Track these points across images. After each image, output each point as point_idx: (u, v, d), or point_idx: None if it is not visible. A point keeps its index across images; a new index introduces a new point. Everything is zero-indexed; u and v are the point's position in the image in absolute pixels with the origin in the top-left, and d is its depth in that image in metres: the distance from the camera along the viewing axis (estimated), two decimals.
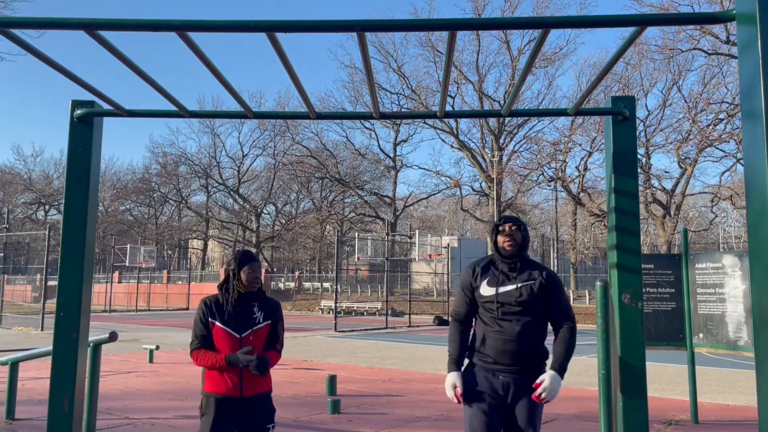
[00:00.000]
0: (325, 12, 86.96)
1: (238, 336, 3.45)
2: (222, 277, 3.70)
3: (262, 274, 3.78)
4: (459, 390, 3.38)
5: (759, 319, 2.13)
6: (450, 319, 3.64)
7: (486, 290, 3.42)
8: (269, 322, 3.56)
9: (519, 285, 3.38)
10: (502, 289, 3.38)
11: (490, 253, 3.62)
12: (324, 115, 3.90)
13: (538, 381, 3.33)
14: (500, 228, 3.46)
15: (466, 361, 3.52)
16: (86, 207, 3.47)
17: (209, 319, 3.49)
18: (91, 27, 2.40)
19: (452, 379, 3.42)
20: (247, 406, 3.46)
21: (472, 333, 3.55)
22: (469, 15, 41.22)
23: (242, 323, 3.49)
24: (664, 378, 10.67)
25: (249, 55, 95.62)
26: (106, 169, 62.49)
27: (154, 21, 2.41)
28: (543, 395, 3.29)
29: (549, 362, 3.42)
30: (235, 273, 3.51)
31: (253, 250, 53.92)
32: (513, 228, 3.44)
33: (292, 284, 49.57)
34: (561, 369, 3.35)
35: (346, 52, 76.45)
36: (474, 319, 3.55)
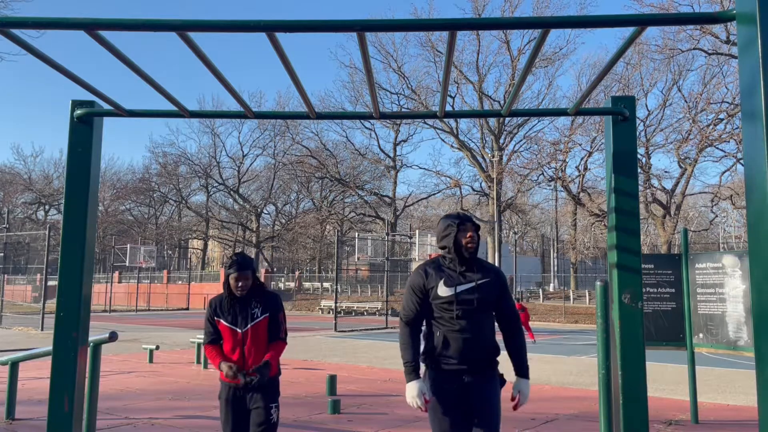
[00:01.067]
0: (325, 12, 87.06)
1: (240, 331, 3.82)
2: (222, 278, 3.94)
3: (257, 278, 3.94)
4: (427, 396, 3.30)
5: (759, 319, 2.13)
6: (400, 323, 3.50)
7: (444, 290, 3.34)
8: (267, 314, 3.86)
9: (477, 283, 3.35)
10: (461, 288, 3.33)
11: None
12: (324, 115, 3.90)
13: (514, 394, 3.40)
14: (462, 228, 3.41)
15: (423, 367, 3.45)
16: (86, 207, 3.47)
17: (215, 318, 3.89)
18: (91, 27, 2.40)
19: (418, 387, 3.30)
20: (252, 389, 3.81)
21: (427, 337, 3.46)
22: (469, 15, 41.23)
23: (242, 319, 3.83)
24: (664, 378, 10.67)
25: (249, 55, 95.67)
26: (106, 169, 62.51)
27: (154, 21, 2.41)
28: (522, 405, 3.40)
29: (512, 367, 3.47)
30: (227, 277, 3.84)
31: (253, 250, 54.02)
32: (474, 229, 3.44)
33: (292, 284, 49.55)
34: (527, 372, 3.46)
35: (346, 52, 76.53)
36: (425, 323, 3.48)
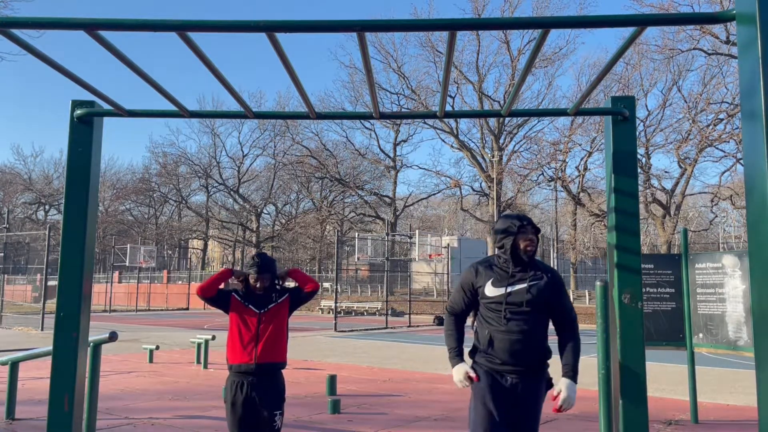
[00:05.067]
0: (325, 12, 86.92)
1: (257, 312, 3.98)
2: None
3: (276, 278, 4.16)
4: (472, 373, 3.27)
5: (759, 319, 2.13)
6: (445, 313, 3.56)
7: (492, 291, 3.33)
8: (287, 295, 4.12)
9: (528, 284, 3.32)
10: (511, 289, 3.31)
11: (491, 252, 3.59)
12: (324, 115, 3.91)
13: (555, 392, 3.31)
14: (522, 230, 3.34)
15: (470, 361, 3.45)
16: (86, 207, 3.47)
17: (231, 294, 4.03)
18: (91, 27, 2.40)
19: (463, 368, 3.31)
20: (260, 377, 3.92)
21: (474, 334, 3.47)
22: (469, 15, 41.22)
23: (261, 303, 4.01)
24: (664, 378, 10.67)
25: (249, 55, 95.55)
26: (106, 169, 62.47)
27: (154, 21, 2.41)
28: (564, 406, 3.28)
29: (561, 367, 3.38)
30: (247, 274, 4.00)
31: (253, 250, 54.00)
32: (535, 233, 3.39)
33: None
34: (575, 375, 3.34)
35: (346, 52, 76.31)
36: (470, 318, 3.50)
